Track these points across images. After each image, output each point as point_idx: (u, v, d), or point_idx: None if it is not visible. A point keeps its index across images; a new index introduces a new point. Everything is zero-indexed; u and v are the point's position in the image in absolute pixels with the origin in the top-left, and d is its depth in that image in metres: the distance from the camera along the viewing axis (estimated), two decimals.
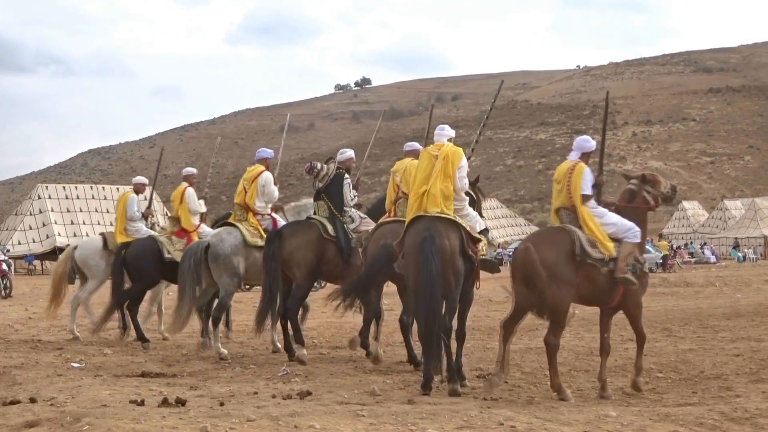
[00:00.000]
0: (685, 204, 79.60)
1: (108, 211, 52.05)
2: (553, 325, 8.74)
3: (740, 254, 60.44)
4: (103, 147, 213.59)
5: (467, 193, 10.03)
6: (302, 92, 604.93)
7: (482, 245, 9.51)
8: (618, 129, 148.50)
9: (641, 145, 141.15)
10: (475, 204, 10.54)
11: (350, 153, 12.19)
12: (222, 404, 7.81)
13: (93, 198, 52.68)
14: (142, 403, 7.79)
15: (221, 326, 12.84)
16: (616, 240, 8.96)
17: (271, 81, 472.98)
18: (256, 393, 8.66)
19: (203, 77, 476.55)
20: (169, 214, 14.88)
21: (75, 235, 49.78)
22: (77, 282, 15.21)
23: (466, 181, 9.69)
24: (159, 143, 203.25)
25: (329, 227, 11.51)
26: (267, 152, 13.40)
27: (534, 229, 77.31)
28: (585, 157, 9.37)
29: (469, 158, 10.10)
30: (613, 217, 9.17)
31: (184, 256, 12.38)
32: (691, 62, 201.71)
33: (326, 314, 20.66)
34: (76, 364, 11.14)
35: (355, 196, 11.97)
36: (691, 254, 58.03)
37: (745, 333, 15.22)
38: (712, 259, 56.62)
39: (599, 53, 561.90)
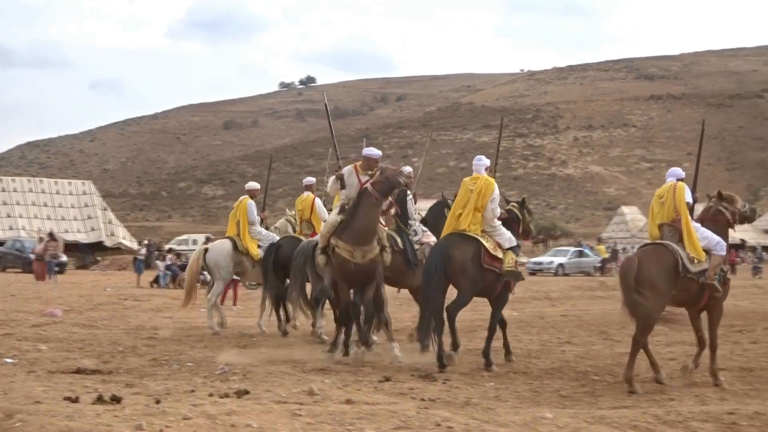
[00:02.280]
0: (624, 209, 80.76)
1: (46, 205, 51.40)
2: (642, 327, 9.81)
3: None
4: (41, 139, 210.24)
5: (510, 211, 12.26)
6: (246, 89, 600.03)
7: (509, 259, 11.12)
8: (560, 133, 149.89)
9: (582, 149, 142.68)
10: (521, 222, 12.36)
11: (409, 169, 12.82)
12: (158, 402, 7.73)
13: (30, 191, 51.89)
14: (76, 400, 7.70)
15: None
16: (707, 251, 10.12)
17: (214, 77, 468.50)
18: (193, 391, 8.59)
19: (144, 71, 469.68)
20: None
21: (11, 228, 49.07)
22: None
23: (498, 210, 11.33)
24: (99, 137, 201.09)
25: (398, 240, 12.27)
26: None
27: None
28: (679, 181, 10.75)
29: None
30: (706, 232, 10.31)
31: (296, 255, 13.46)
32: (633, 69, 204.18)
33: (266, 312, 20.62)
34: (9, 360, 10.98)
35: (416, 211, 12.90)
36: None
37: (680, 337, 15.31)
38: None
39: (543, 57, 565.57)
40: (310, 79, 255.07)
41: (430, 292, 10.85)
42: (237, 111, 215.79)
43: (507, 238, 11.30)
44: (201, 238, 46.91)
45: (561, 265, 46.13)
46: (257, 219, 15.66)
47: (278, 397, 8.31)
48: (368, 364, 11.15)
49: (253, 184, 16.51)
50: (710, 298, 10.21)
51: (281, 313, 15.06)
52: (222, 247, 15.47)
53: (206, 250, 15.58)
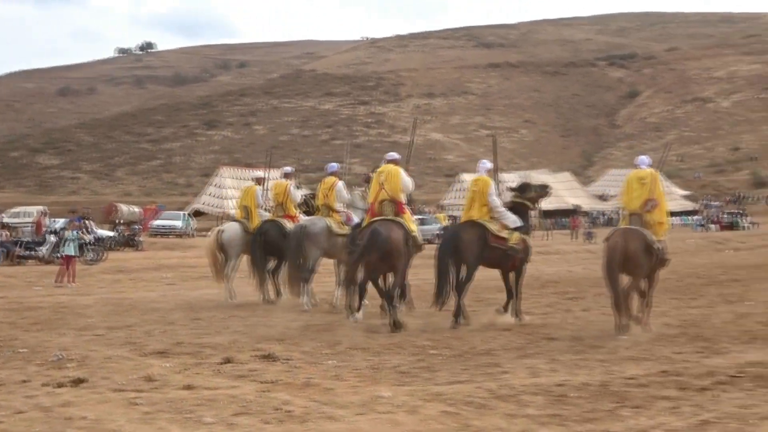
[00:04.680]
0: (464, 176, 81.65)
1: None
2: (637, 279, 12.47)
3: None
4: None
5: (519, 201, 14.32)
6: (80, 55, 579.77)
7: (514, 237, 13.52)
8: (401, 101, 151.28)
9: (424, 117, 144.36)
10: (522, 204, 14.30)
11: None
12: None
13: None
14: None
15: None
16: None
17: (44, 42, 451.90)
18: (26, 381, 8.37)
19: None
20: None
21: None
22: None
23: (497, 199, 13.68)
24: None
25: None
26: (333, 167, 16.71)
27: None
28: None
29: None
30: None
31: (290, 236, 15.96)
32: (472, 37, 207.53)
33: (104, 290, 20.24)
34: None
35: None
36: None
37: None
38: None
39: (385, 25, 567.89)
40: (148, 45, 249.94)
41: (443, 267, 13.31)
42: (73, 77, 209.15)
43: (512, 220, 13.66)
44: (35, 210, 45.39)
45: None
46: (263, 203, 17.93)
47: (116, 385, 8.18)
48: (208, 345, 11.08)
49: (259, 173, 19.13)
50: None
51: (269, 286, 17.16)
52: (234, 228, 17.63)
53: (221, 231, 17.79)
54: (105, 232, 41.88)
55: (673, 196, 70.50)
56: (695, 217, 71.52)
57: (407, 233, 13.35)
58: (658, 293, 17.69)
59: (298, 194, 17.73)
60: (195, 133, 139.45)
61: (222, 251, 17.33)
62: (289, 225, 16.79)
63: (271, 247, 16.84)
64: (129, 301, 17.40)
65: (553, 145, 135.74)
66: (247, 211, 17.68)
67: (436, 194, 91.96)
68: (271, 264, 17.22)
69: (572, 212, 61.05)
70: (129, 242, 42.44)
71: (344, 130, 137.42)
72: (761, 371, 8.93)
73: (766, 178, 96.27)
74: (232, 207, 62.37)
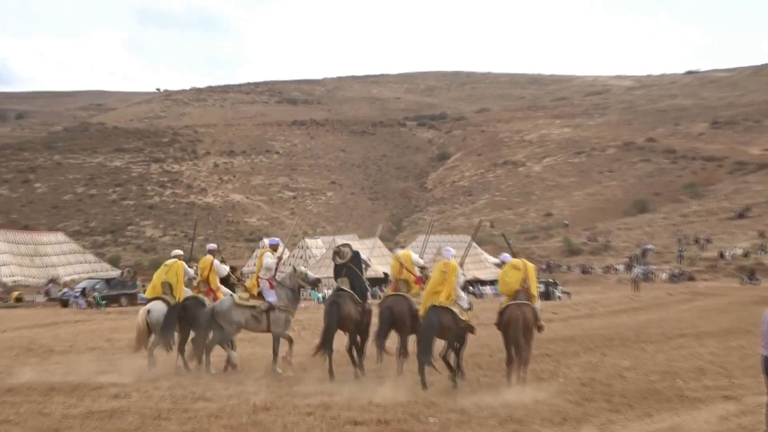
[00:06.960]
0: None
1: None
2: (529, 343, 16.23)
3: (320, 295, 63.11)
4: None
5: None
6: None
7: (469, 316, 16.82)
8: (199, 159, 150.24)
9: (223, 176, 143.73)
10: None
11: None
12: None
13: None
14: None
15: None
16: None
17: None
18: None
19: None
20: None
21: None
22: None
23: (463, 279, 17.00)
24: None
25: (357, 297, 17.87)
26: (275, 240, 20.36)
27: (105, 264, 75.55)
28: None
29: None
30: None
31: (203, 314, 18.28)
32: (275, 92, 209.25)
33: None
34: None
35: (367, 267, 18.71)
36: None
37: (320, 387, 15.33)
38: None
39: (180, 76, 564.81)
40: None
41: (427, 345, 15.84)
42: None
43: (465, 301, 16.96)
44: None
45: None
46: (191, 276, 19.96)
47: None
48: None
49: (179, 251, 20.84)
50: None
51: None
52: (161, 307, 19.27)
53: (149, 311, 19.25)
54: None
55: (485, 264, 71.93)
56: None
57: (410, 305, 17.40)
58: (470, 370, 18.13)
59: (224, 268, 20.07)
60: None
61: (154, 330, 19.06)
62: (208, 301, 19.09)
63: (191, 322, 18.69)
64: None
65: (360, 209, 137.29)
66: (169, 287, 19.60)
67: (237, 260, 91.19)
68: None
69: (382, 281, 61.43)
70: None
71: (136, 189, 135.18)
72: None
73: (577, 246, 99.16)
74: (5, 275, 59.99)
